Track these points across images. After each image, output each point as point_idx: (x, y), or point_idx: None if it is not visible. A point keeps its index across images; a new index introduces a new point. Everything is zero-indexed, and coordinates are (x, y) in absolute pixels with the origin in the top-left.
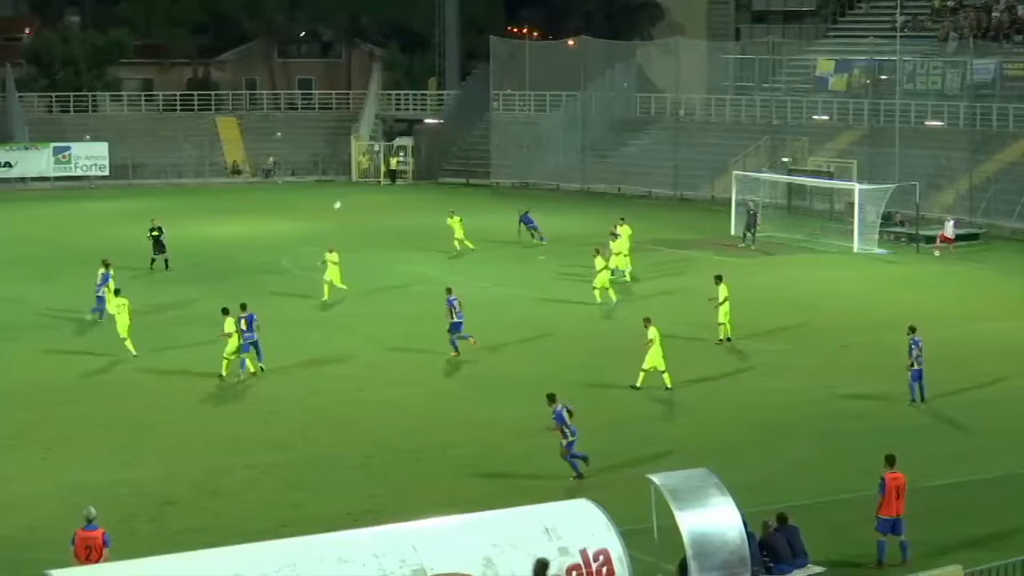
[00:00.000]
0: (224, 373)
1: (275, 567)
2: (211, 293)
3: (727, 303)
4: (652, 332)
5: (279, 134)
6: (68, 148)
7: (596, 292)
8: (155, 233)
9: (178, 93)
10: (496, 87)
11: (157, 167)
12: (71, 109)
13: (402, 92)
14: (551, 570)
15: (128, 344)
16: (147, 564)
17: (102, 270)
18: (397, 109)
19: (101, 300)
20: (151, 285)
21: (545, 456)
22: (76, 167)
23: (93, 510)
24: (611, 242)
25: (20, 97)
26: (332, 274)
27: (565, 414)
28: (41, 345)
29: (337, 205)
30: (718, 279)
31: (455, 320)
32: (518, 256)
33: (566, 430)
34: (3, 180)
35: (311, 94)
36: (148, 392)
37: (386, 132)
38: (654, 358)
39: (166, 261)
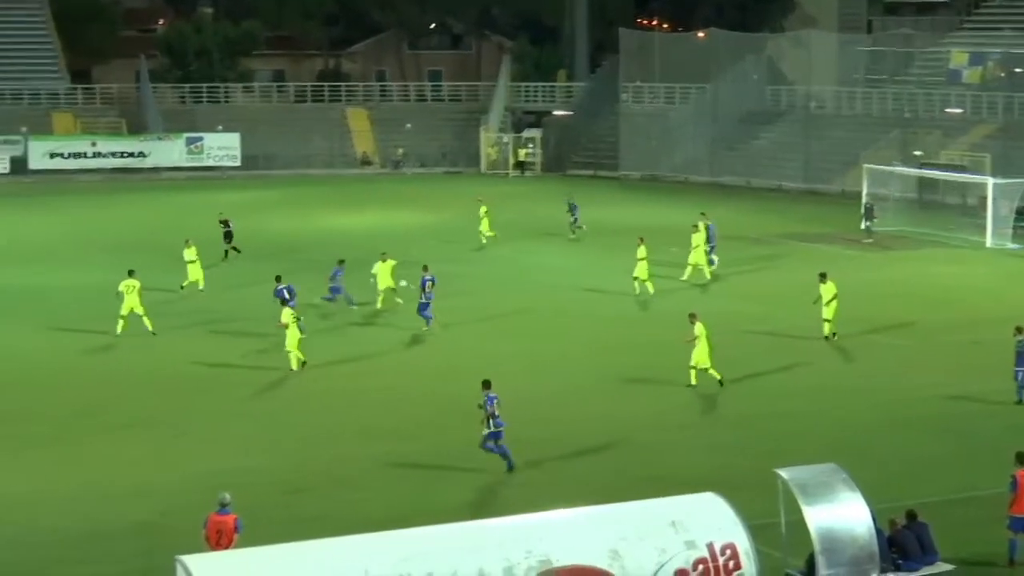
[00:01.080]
0: (294, 367)
1: (403, 556)
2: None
3: (835, 301)
4: (698, 328)
5: (409, 125)
6: (200, 139)
7: (635, 283)
8: (224, 228)
9: (309, 84)
10: (625, 79)
11: (288, 158)
12: (204, 100)
13: (531, 84)
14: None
15: (145, 321)
16: (276, 551)
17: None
18: (526, 101)
19: (334, 290)
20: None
21: (673, 450)
22: (208, 157)
23: (228, 495)
24: (692, 234)
25: (154, 88)
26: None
27: (496, 405)
28: (169, 334)
29: (403, 283)
30: (822, 277)
31: (423, 301)
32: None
33: (492, 421)
34: (137, 170)
35: (441, 86)
36: (276, 381)
37: (515, 124)
38: (700, 355)
39: (227, 251)
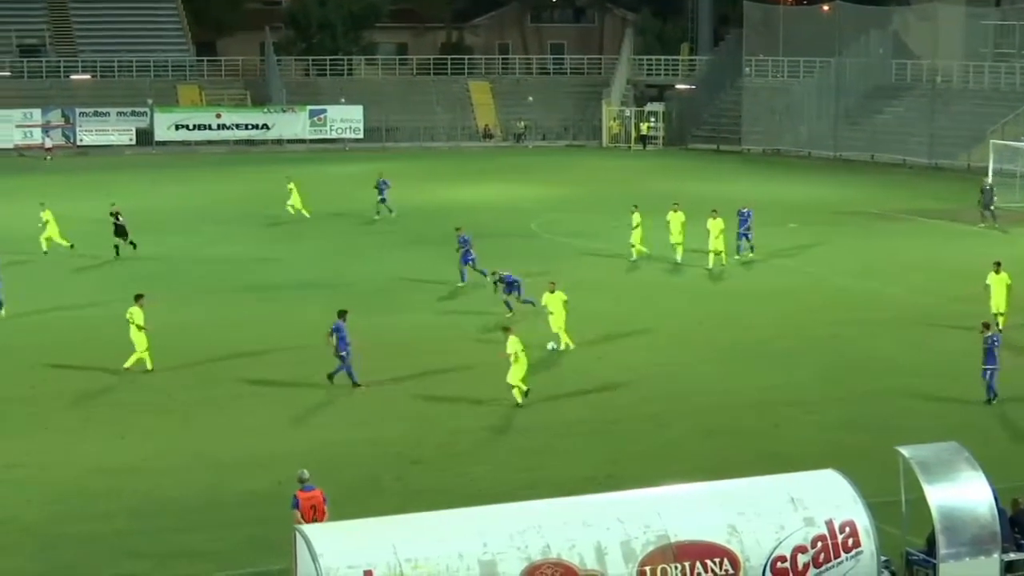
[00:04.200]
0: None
1: (519, 529)
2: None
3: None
4: (512, 344)
5: (531, 99)
6: (324, 111)
7: (633, 249)
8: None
9: (432, 57)
10: (749, 53)
11: (410, 130)
12: (327, 73)
13: (654, 57)
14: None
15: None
16: (392, 522)
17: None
18: (648, 74)
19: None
20: (386, 249)
21: (792, 426)
22: (331, 130)
23: (306, 472)
24: (710, 221)
25: (278, 61)
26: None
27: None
28: (292, 304)
29: (551, 346)
30: (997, 266)
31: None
32: (762, 222)
33: (341, 343)
34: (261, 142)
35: (563, 59)
36: (392, 354)
37: (637, 97)
38: (515, 373)
39: (117, 247)
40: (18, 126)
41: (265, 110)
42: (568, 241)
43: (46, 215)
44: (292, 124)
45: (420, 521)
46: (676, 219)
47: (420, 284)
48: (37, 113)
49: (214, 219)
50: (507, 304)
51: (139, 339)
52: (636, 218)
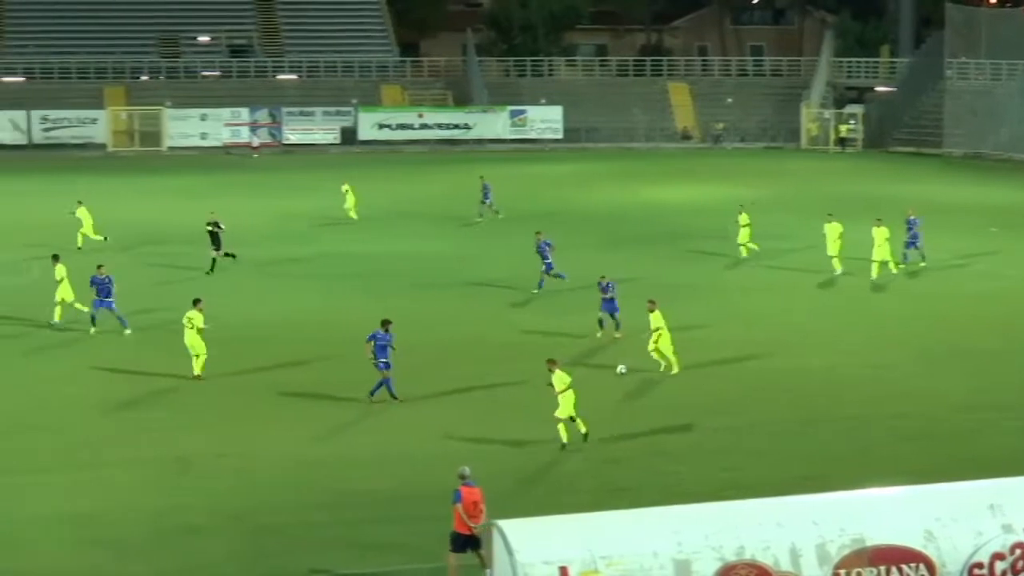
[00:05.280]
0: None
1: (715, 529)
2: (654, 257)
3: None
4: (558, 379)
5: (729, 100)
6: (524, 111)
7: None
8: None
9: (631, 59)
10: (951, 55)
11: (609, 131)
12: (528, 73)
13: (853, 59)
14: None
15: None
16: (589, 519)
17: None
18: (848, 76)
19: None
20: (583, 250)
21: (993, 431)
22: (531, 130)
23: (468, 469)
24: (874, 229)
25: (480, 61)
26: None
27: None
28: (494, 301)
29: (621, 369)
30: None
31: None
32: (963, 226)
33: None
34: (461, 141)
35: (762, 60)
36: (587, 352)
37: (836, 99)
38: (563, 407)
39: (214, 260)
40: (226, 125)
41: (466, 110)
42: (762, 244)
43: (80, 212)
44: (492, 124)
45: (615, 519)
46: (833, 230)
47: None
48: (245, 112)
49: (417, 216)
50: (600, 322)
51: (198, 343)
52: (744, 218)
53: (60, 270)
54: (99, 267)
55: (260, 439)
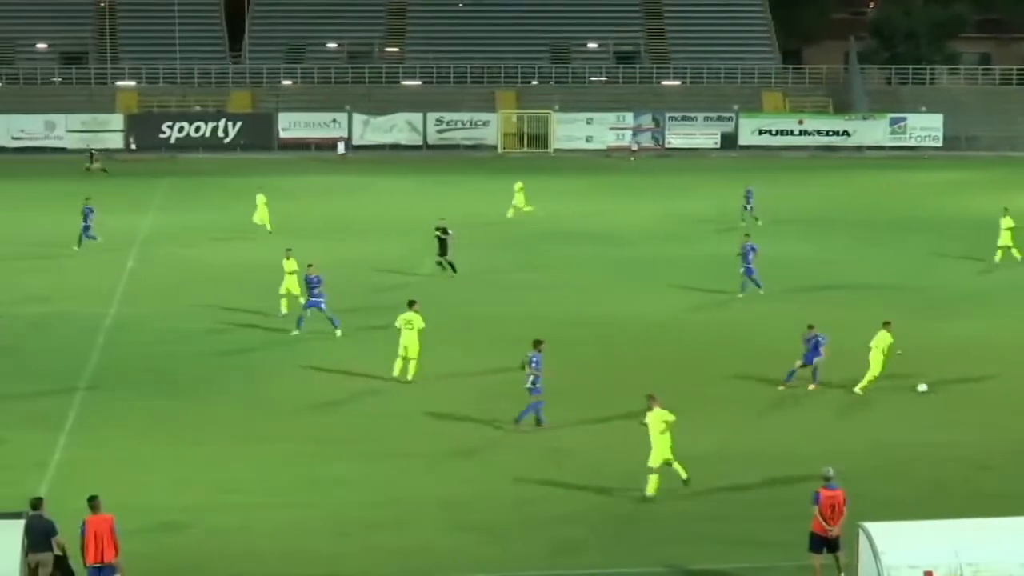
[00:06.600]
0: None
1: None
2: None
3: None
4: (655, 420)
5: None
6: (904, 119)
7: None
8: (439, 234)
9: (1015, 67)
10: None
11: (991, 140)
12: (909, 81)
13: None
14: None
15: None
16: (957, 525)
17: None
18: None
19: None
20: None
21: None
22: (910, 138)
23: (831, 470)
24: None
25: (861, 69)
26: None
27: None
28: (861, 307)
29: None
30: None
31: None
32: None
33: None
34: (841, 147)
35: None
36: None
37: None
38: (656, 453)
39: (440, 263)
40: (611, 128)
41: (846, 117)
42: None
43: (260, 199)
44: (872, 131)
45: (984, 526)
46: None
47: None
48: (629, 116)
49: (796, 220)
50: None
51: (414, 344)
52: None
53: (291, 264)
54: (309, 266)
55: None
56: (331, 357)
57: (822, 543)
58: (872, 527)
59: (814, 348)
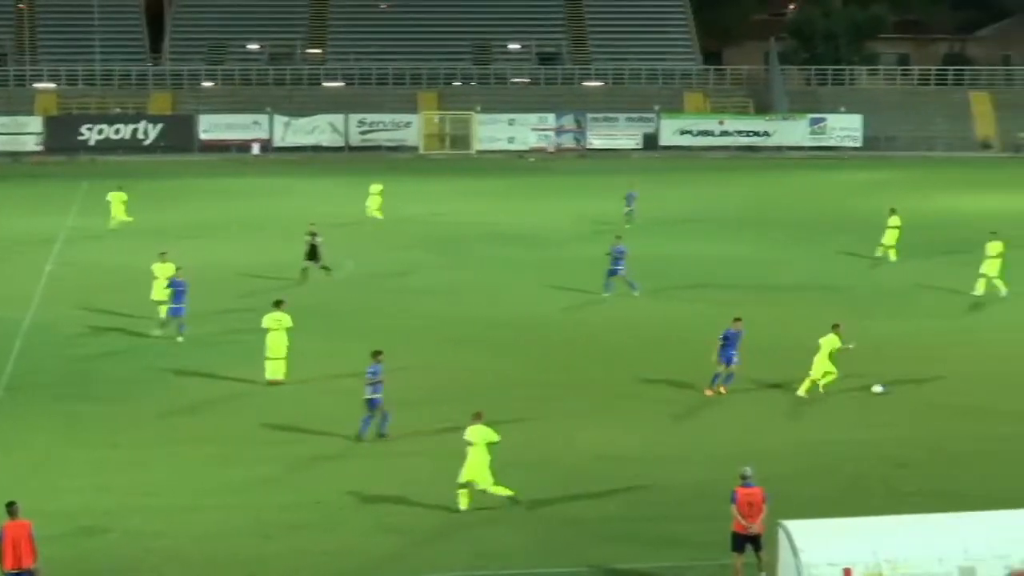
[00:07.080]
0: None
1: (1005, 537)
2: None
3: None
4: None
5: None
6: (823, 119)
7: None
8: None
9: (933, 68)
10: None
11: (908, 140)
12: (828, 82)
13: None
14: None
15: None
16: (873, 523)
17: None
18: None
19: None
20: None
21: None
22: (830, 138)
23: (749, 469)
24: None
25: (781, 70)
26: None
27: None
28: (791, 306)
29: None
30: None
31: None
32: None
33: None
34: (762, 148)
35: None
36: (879, 357)
37: None
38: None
39: (304, 270)
40: (533, 129)
41: (767, 118)
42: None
43: (114, 196)
44: (792, 132)
45: (901, 523)
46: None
47: (924, 291)
48: (551, 117)
49: (715, 221)
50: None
51: (283, 344)
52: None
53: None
54: (177, 269)
55: (558, 435)
56: (251, 360)
57: (743, 542)
58: (791, 525)
59: (731, 345)
